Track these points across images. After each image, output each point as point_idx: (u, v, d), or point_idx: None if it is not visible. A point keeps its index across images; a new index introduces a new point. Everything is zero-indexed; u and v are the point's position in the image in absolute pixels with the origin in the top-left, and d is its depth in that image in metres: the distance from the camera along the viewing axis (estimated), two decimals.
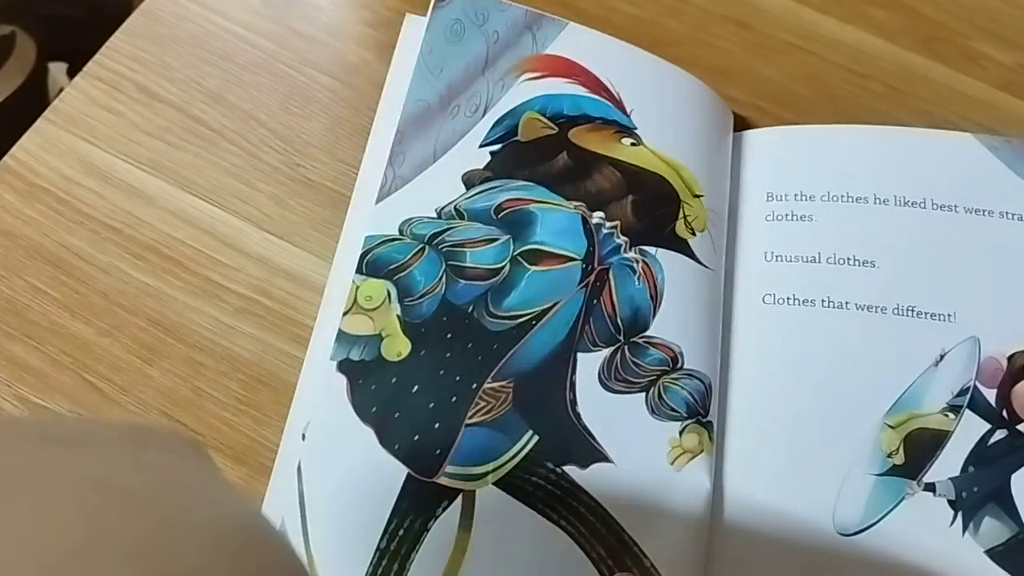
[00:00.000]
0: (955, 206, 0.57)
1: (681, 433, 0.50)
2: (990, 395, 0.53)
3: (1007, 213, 0.58)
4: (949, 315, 0.54)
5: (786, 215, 0.58)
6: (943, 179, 0.59)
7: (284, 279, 0.60)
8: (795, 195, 0.59)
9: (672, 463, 0.49)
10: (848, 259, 0.56)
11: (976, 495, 0.51)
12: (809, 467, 0.52)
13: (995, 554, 0.49)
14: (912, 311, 0.54)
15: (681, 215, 0.56)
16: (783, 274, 0.57)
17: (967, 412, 0.52)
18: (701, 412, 0.52)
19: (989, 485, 0.51)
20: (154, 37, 0.65)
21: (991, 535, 0.49)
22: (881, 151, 0.61)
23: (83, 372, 0.56)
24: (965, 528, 0.49)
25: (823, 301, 0.55)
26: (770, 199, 0.60)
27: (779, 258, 0.57)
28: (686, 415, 0.51)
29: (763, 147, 0.63)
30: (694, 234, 0.56)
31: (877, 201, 0.58)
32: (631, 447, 0.51)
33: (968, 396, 0.52)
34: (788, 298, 0.55)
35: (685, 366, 0.52)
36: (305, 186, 0.63)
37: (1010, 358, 0.53)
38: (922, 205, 0.58)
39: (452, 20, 0.60)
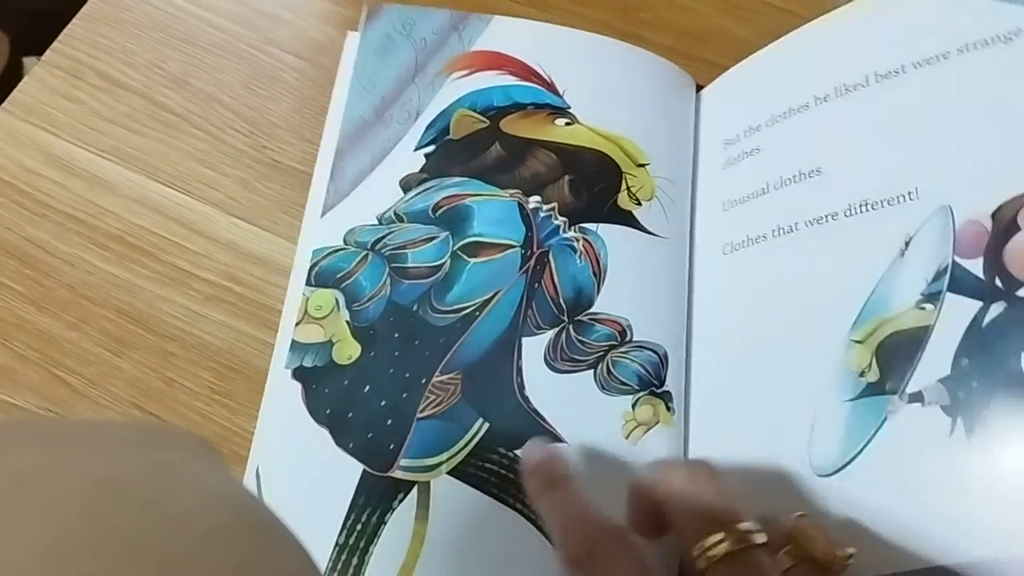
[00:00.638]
0: (901, 68, 0.46)
1: (634, 406, 0.45)
2: (975, 266, 0.39)
3: (968, 45, 0.44)
4: (909, 193, 0.43)
5: (738, 156, 0.51)
6: (885, 43, 0.47)
7: (254, 264, 0.53)
8: (744, 131, 0.51)
9: (627, 437, 0.45)
10: (793, 177, 0.48)
11: (976, 391, 0.37)
12: (779, 413, 0.43)
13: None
14: (865, 205, 0.44)
15: (624, 187, 0.51)
16: (738, 219, 0.49)
17: (948, 296, 0.39)
18: (655, 383, 0.46)
19: (993, 374, 0.37)
20: (114, 22, 0.57)
21: (1008, 432, 0.36)
22: (818, 47, 0.51)
23: (51, 367, 0.50)
24: (969, 432, 0.37)
25: (773, 232, 0.47)
26: (726, 146, 0.52)
27: (734, 203, 0.50)
28: (638, 388, 0.46)
29: (718, 98, 0.54)
30: (640, 204, 0.50)
31: (817, 101, 0.49)
32: (583, 425, 0.45)
33: (947, 276, 0.40)
34: (743, 241, 0.48)
35: (634, 338, 0.47)
36: (272, 168, 0.56)
37: (995, 214, 0.40)
38: (864, 84, 0.47)
39: (382, 35, 0.55)
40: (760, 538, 0.33)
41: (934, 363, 0.39)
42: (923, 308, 0.40)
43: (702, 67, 0.56)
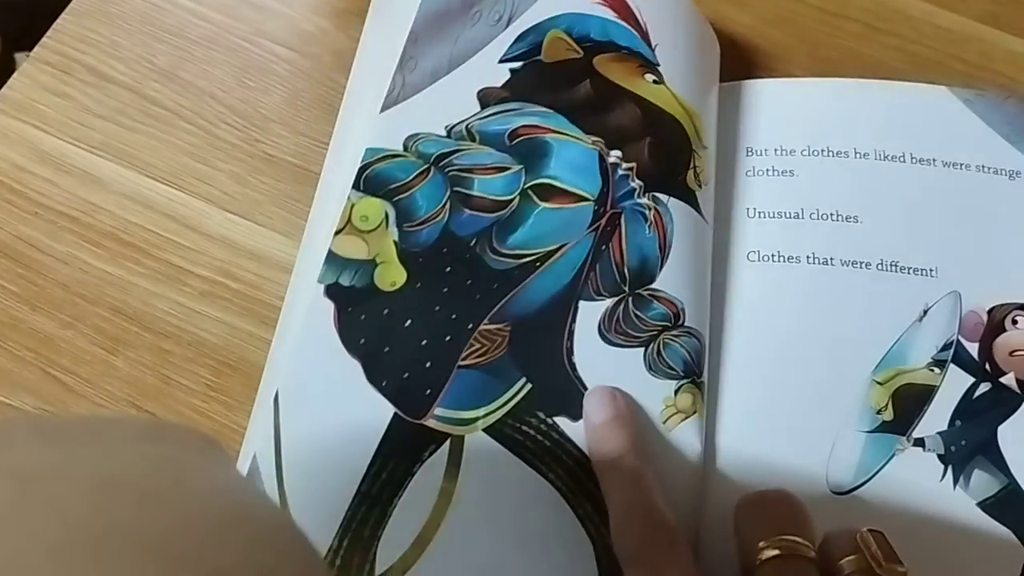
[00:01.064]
0: (933, 160, 0.52)
1: (676, 392, 0.43)
2: (973, 349, 0.48)
3: (983, 167, 0.53)
4: (931, 270, 0.50)
5: (767, 170, 0.52)
6: (920, 133, 0.52)
7: (249, 259, 0.52)
8: (775, 150, 0.52)
9: (665, 422, 0.43)
10: (831, 214, 0.51)
11: (964, 448, 0.46)
12: (799, 426, 0.46)
13: (987, 506, 0.45)
14: (896, 266, 0.50)
15: (692, 165, 0.48)
16: (767, 231, 0.50)
17: (952, 366, 0.47)
18: (696, 372, 0.44)
19: (976, 438, 0.46)
20: (102, 16, 0.56)
21: (981, 488, 0.45)
22: (858, 103, 0.54)
23: (46, 367, 0.50)
24: (956, 482, 0.45)
25: (808, 257, 0.49)
26: (750, 154, 0.52)
27: (762, 214, 0.51)
28: (683, 374, 0.44)
29: (739, 101, 0.54)
30: (700, 187, 0.48)
31: (857, 155, 0.52)
32: None
33: (952, 350, 0.48)
34: (773, 255, 0.50)
35: (686, 323, 0.45)
36: (266, 162, 0.55)
37: (990, 312, 0.49)
38: (901, 159, 0.52)
39: None
40: (810, 553, 0.36)
41: (936, 417, 0.47)
42: (932, 370, 0.48)
43: None
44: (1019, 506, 0.47)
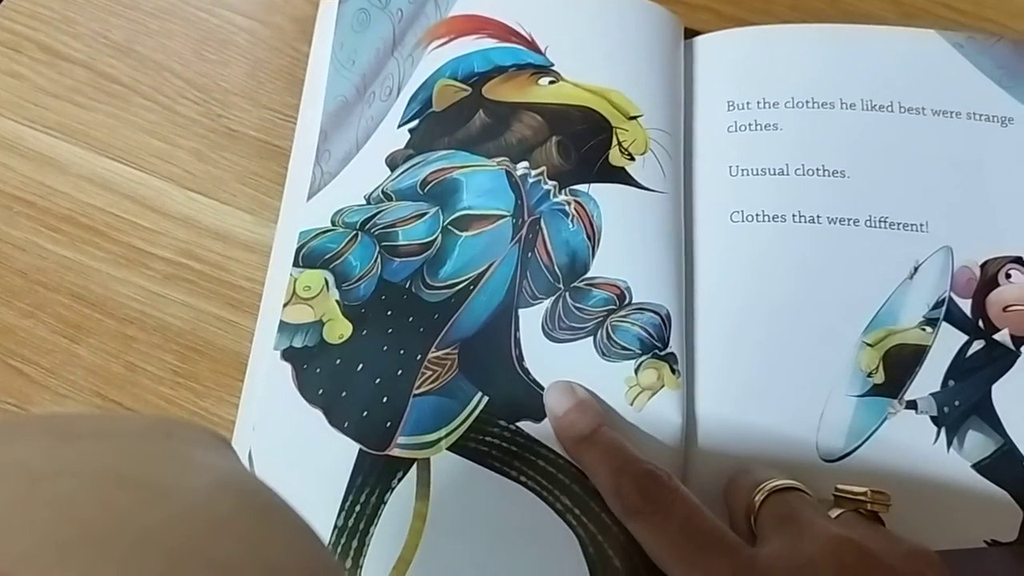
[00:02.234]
0: (923, 108, 0.51)
1: (637, 371, 0.44)
2: (965, 305, 0.47)
3: (974, 114, 0.51)
4: (922, 224, 0.48)
5: (749, 125, 0.51)
6: (909, 80, 0.51)
7: (213, 239, 0.52)
8: (758, 102, 0.51)
9: (632, 403, 0.44)
10: (817, 169, 0.50)
11: (958, 409, 0.45)
12: (787, 391, 0.45)
13: (981, 467, 0.44)
14: (885, 222, 0.49)
15: (615, 142, 0.49)
16: (751, 189, 0.49)
17: (944, 324, 0.46)
18: (658, 346, 0.45)
19: (970, 398, 0.45)
20: None
21: (976, 449, 0.45)
22: (844, 51, 0.52)
23: (7, 357, 0.49)
24: (949, 444, 0.45)
25: (794, 216, 0.49)
26: (731, 108, 0.51)
27: (745, 172, 0.50)
28: (640, 351, 0.45)
29: (719, 53, 0.53)
30: (633, 159, 0.49)
31: (844, 106, 0.51)
32: None
33: (944, 308, 0.47)
34: (757, 215, 0.49)
35: (634, 301, 0.46)
36: (228, 137, 0.54)
37: (983, 266, 0.48)
38: (889, 108, 0.51)
39: (357, 10, 0.53)
40: (808, 491, 0.39)
41: (928, 378, 0.46)
42: (924, 329, 0.47)
43: (676, 11, 0.55)
44: (1014, 466, 0.46)
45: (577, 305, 0.46)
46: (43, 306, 0.51)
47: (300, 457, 0.45)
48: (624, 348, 0.45)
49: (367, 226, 0.49)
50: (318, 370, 0.46)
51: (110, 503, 0.18)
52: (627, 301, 0.46)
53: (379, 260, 0.48)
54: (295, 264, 0.48)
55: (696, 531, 0.37)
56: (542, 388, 0.45)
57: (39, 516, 0.16)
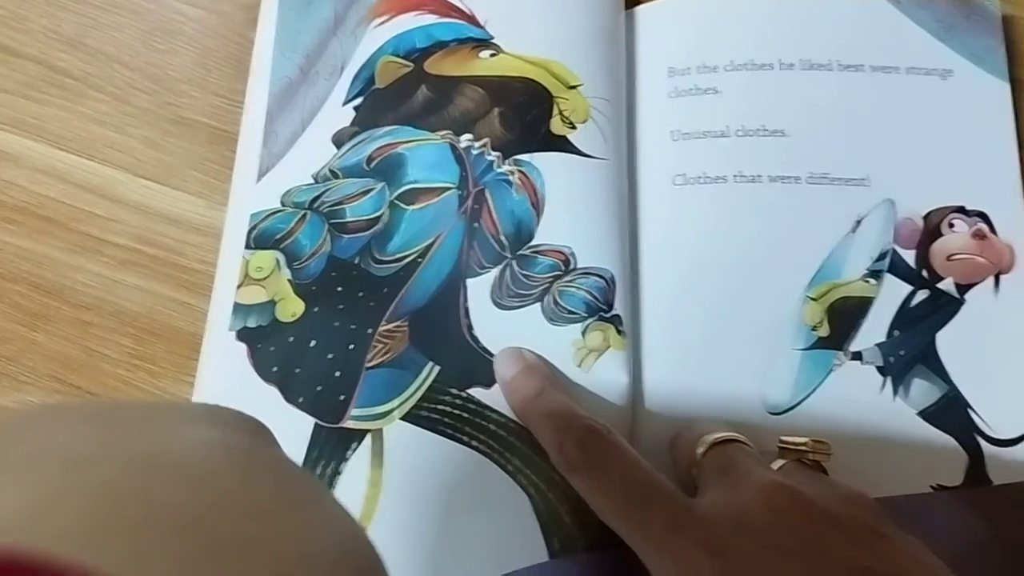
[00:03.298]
0: (861, 65, 0.51)
1: (584, 333, 0.45)
2: (909, 256, 0.48)
3: (913, 68, 0.52)
4: (863, 179, 0.49)
5: (690, 89, 0.51)
6: (847, 37, 0.52)
7: (166, 224, 0.52)
8: (697, 67, 0.51)
9: (579, 365, 0.45)
10: (757, 130, 0.50)
11: (903, 359, 0.46)
12: (732, 348, 0.46)
13: (927, 415, 0.45)
14: (825, 178, 0.49)
15: (556, 112, 0.50)
16: (692, 153, 0.50)
17: (888, 276, 0.47)
18: (604, 308, 0.46)
19: (915, 347, 0.46)
20: None
21: (921, 397, 0.45)
22: (781, 12, 0.52)
23: None
24: (895, 393, 0.45)
25: (735, 176, 0.49)
26: (672, 74, 0.52)
27: (686, 136, 0.50)
28: (586, 314, 0.46)
29: (659, 22, 0.54)
30: (574, 127, 0.49)
31: (782, 67, 0.51)
32: None
33: (888, 259, 0.48)
34: (699, 177, 0.49)
35: (579, 266, 0.47)
36: (179, 125, 0.54)
37: (926, 217, 0.48)
38: (828, 67, 0.51)
39: None
40: (750, 444, 0.40)
41: (873, 329, 0.47)
42: (868, 281, 0.48)
43: None
44: (959, 412, 0.47)
45: (524, 272, 0.47)
46: (1, 296, 0.52)
47: None
48: (570, 312, 0.46)
49: (315, 204, 0.49)
50: (272, 348, 0.46)
51: (148, 489, 0.18)
52: (572, 266, 0.47)
53: (328, 237, 0.49)
54: (247, 246, 0.48)
55: (634, 483, 0.37)
56: (492, 355, 0.45)
57: (78, 501, 0.16)
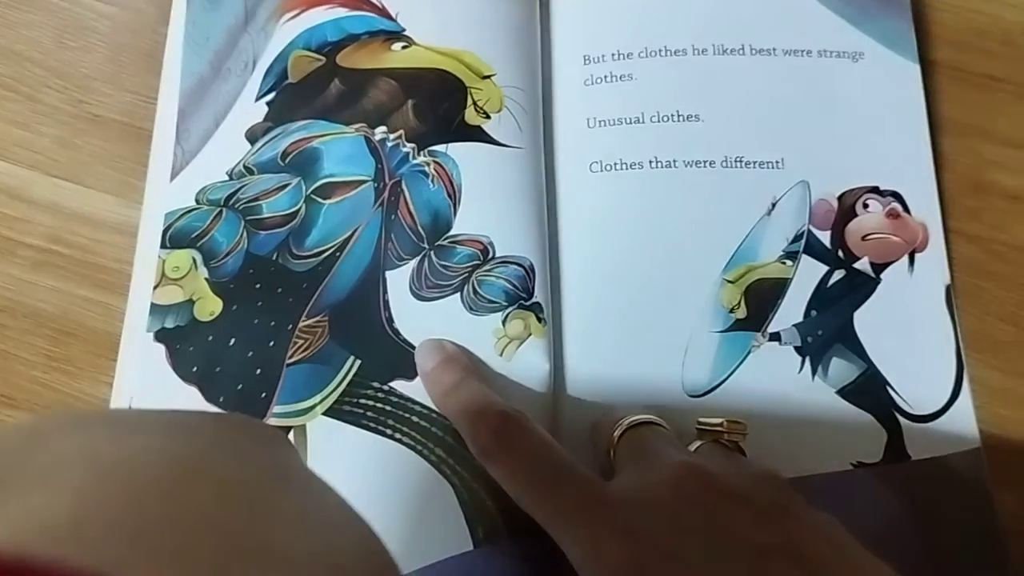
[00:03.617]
0: (773, 49, 0.52)
1: (504, 322, 0.46)
2: (824, 237, 0.49)
3: (825, 51, 0.53)
4: (777, 162, 0.50)
5: (605, 76, 0.51)
6: (759, 22, 0.52)
7: (81, 224, 0.51)
8: (612, 55, 0.52)
9: (501, 353, 0.45)
10: (672, 115, 0.50)
11: (821, 338, 0.47)
12: (652, 332, 0.47)
13: (846, 393, 0.46)
14: (740, 162, 0.50)
15: (470, 102, 0.50)
16: (608, 139, 0.50)
17: (804, 257, 0.48)
18: (524, 296, 0.46)
19: (833, 326, 0.47)
20: None
21: (840, 375, 0.46)
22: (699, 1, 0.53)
23: None
24: (814, 372, 0.46)
25: (651, 162, 0.50)
26: (587, 62, 0.52)
27: (602, 123, 0.51)
28: (506, 303, 0.46)
29: (574, 10, 0.54)
30: (488, 117, 0.50)
31: (696, 52, 0.52)
32: None
33: (803, 241, 0.48)
34: (615, 163, 0.50)
35: (498, 255, 0.47)
36: (92, 123, 0.53)
37: (840, 197, 0.49)
38: (740, 52, 0.52)
39: None
40: (666, 425, 0.41)
41: (791, 310, 0.48)
42: (784, 263, 0.49)
43: None
44: (878, 390, 0.48)
45: (442, 263, 0.47)
46: None
47: None
48: (490, 301, 0.46)
49: (231, 202, 0.49)
50: (191, 348, 0.46)
51: (180, 494, 0.18)
52: (491, 255, 0.47)
53: (245, 234, 0.48)
54: (162, 246, 0.48)
55: (547, 468, 0.38)
56: (412, 347, 0.45)
57: (110, 506, 0.17)
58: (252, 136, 0.51)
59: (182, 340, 0.46)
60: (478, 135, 0.50)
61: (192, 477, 0.19)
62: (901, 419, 0.47)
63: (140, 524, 0.16)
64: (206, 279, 0.47)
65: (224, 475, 0.20)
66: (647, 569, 0.33)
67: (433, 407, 0.45)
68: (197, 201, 0.50)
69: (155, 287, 0.48)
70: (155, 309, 0.47)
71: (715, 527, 0.34)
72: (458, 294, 0.47)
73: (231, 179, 0.50)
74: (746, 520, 0.34)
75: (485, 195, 0.48)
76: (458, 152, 0.49)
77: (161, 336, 0.46)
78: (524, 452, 0.38)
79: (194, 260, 0.48)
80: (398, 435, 0.44)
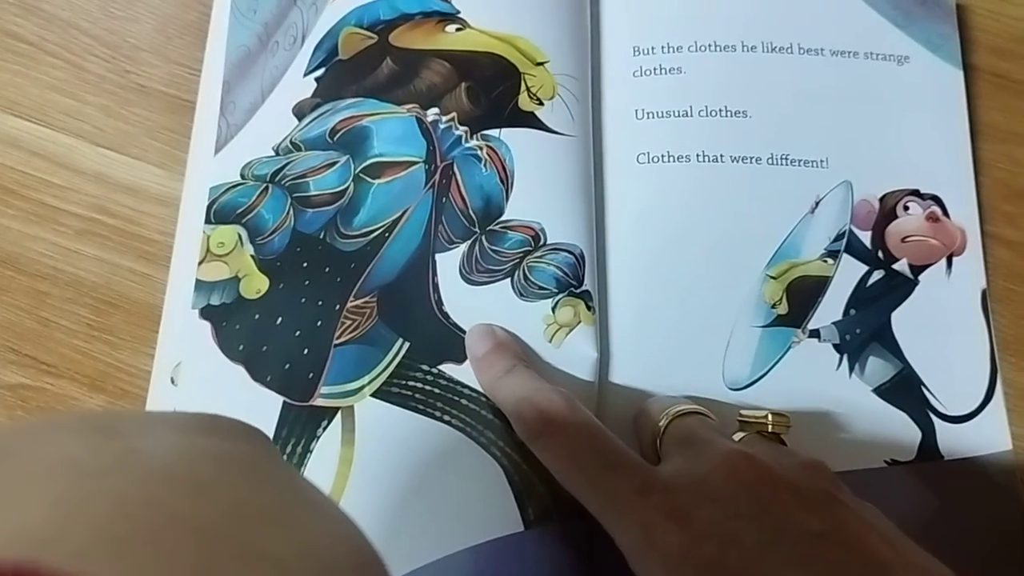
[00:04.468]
0: (821, 49, 0.52)
1: (554, 309, 0.45)
2: (865, 237, 0.49)
3: (871, 54, 0.53)
4: (822, 161, 0.50)
5: (654, 69, 0.52)
6: (808, 22, 0.53)
7: (125, 194, 0.51)
8: (662, 47, 0.52)
9: (551, 340, 0.45)
10: (720, 110, 0.51)
11: (859, 336, 0.47)
12: (695, 324, 0.47)
13: (882, 391, 0.47)
14: (786, 159, 0.51)
15: (523, 88, 0.49)
16: (656, 131, 0.50)
17: (845, 256, 0.49)
18: (574, 284, 0.46)
19: (871, 326, 0.48)
20: None
21: (876, 374, 0.47)
22: None
23: None
24: (852, 370, 0.47)
25: (698, 156, 0.50)
26: (637, 53, 0.52)
27: (651, 115, 0.51)
28: (557, 290, 0.46)
29: (624, 1, 0.55)
30: (542, 104, 0.49)
31: (745, 48, 0.52)
32: None
33: (845, 240, 0.49)
34: (663, 155, 0.50)
35: (549, 242, 0.47)
36: (138, 93, 0.53)
37: (882, 199, 0.50)
38: (789, 50, 0.52)
39: None
40: (712, 416, 0.41)
41: (830, 308, 0.49)
42: (826, 261, 0.49)
43: None
44: (913, 390, 0.48)
45: (493, 248, 0.47)
46: None
47: (224, 413, 0.47)
48: (541, 288, 0.46)
49: (277, 177, 0.48)
50: (237, 326, 0.46)
51: (159, 499, 0.18)
52: (542, 242, 0.47)
53: (291, 212, 0.48)
54: (207, 221, 0.47)
55: (597, 451, 0.38)
56: (462, 331, 0.45)
57: (92, 513, 0.17)
58: (300, 112, 0.50)
59: (228, 318, 0.46)
60: (531, 121, 0.49)
61: (171, 480, 0.19)
62: (935, 419, 0.48)
63: (120, 529, 0.16)
64: (252, 256, 0.47)
65: (206, 476, 0.20)
66: (703, 554, 0.33)
67: (481, 391, 0.45)
68: (242, 176, 0.49)
69: (200, 263, 0.47)
70: (200, 285, 0.47)
71: (769, 514, 0.35)
72: (508, 279, 0.46)
73: (277, 154, 0.50)
74: (798, 507, 0.35)
75: (537, 181, 0.48)
76: (511, 137, 0.49)
77: (206, 313, 0.46)
78: (574, 437, 0.39)
79: (240, 236, 0.48)
80: (447, 417, 0.44)
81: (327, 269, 0.47)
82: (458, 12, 0.52)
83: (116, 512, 0.17)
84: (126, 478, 0.18)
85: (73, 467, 0.18)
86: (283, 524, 0.20)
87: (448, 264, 0.47)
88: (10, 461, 0.18)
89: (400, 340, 0.46)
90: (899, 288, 0.50)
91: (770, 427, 0.42)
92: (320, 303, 0.46)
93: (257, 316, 0.46)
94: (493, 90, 0.50)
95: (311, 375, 0.45)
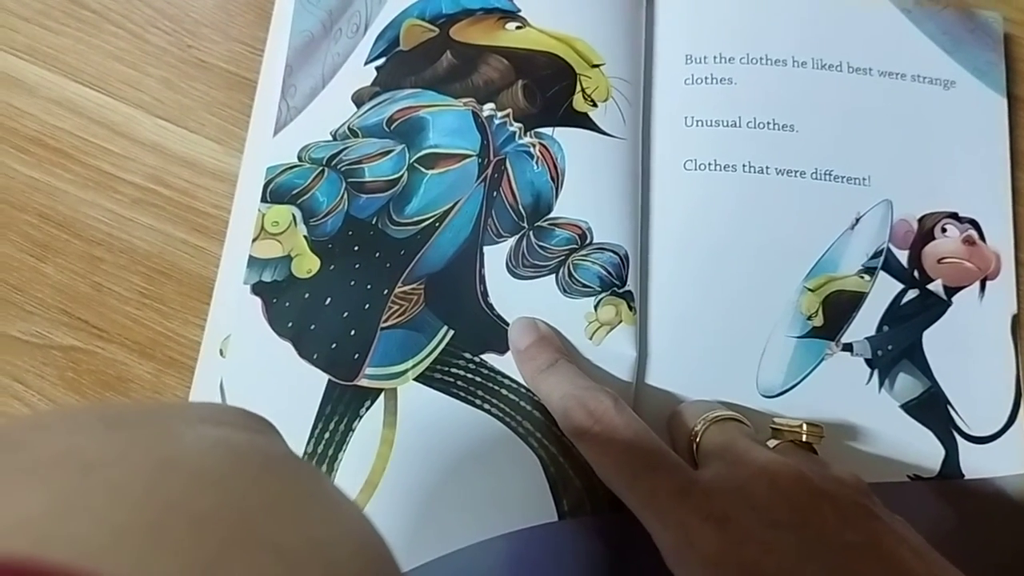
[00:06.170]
0: (870, 69, 0.54)
1: (596, 307, 0.47)
2: (902, 256, 0.50)
3: (919, 77, 0.54)
4: (864, 179, 0.51)
5: (705, 78, 0.53)
6: (859, 41, 0.54)
7: (181, 166, 0.52)
8: (714, 57, 0.53)
9: (591, 337, 0.46)
10: (768, 123, 0.52)
11: (891, 353, 0.49)
12: (732, 331, 0.48)
13: (909, 408, 0.48)
14: (830, 175, 0.52)
15: (579, 89, 0.51)
16: (704, 139, 0.51)
17: (881, 273, 0.50)
18: (617, 284, 0.47)
19: (903, 343, 0.49)
20: None
21: (905, 390, 0.48)
22: (798, 11, 0.54)
23: None
24: (881, 385, 0.48)
25: (744, 166, 0.51)
26: (689, 62, 0.53)
27: (700, 123, 0.52)
28: (600, 289, 0.47)
29: (679, 8, 0.55)
30: (595, 105, 0.50)
31: (796, 64, 0.53)
32: None
33: (882, 258, 0.50)
34: (710, 163, 0.51)
35: (595, 241, 0.48)
36: (198, 68, 0.54)
37: (920, 220, 0.51)
38: (839, 68, 0.53)
39: None
40: (746, 422, 0.42)
41: (864, 323, 0.50)
42: (863, 277, 0.50)
43: None
44: (940, 408, 0.50)
45: (540, 243, 0.48)
46: (10, 225, 0.51)
47: (271, 387, 0.46)
48: (584, 285, 0.47)
49: (333, 162, 0.49)
50: (287, 304, 0.47)
51: (161, 489, 0.18)
52: (588, 241, 0.48)
53: (346, 196, 0.49)
54: (263, 200, 0.49)
55: (641, 450, 0.39)
56: (505, 323, 0.46)
57: (95, 503, 0.17)
58: (359, 99, 0.51)
59: (279, 295, 0.47)
60: (584, 122, 0.50)
61: (179, 470, 0.19)
62: (959, 438, 0.49)
63: (125, 519, 0.16)
64: (305, 236, 0.48)
65: (210, 466, 0.20)
66: (741, 558, 0.34)
67: (522, 382, 0.46)
68: (299, 158, 0.50)
69: (254, 240, 0.48)
70: (253, 262, 0.48)
71: (807, 523, 0.35)
72: (553, 275, 0.47)
73: (334, 139, 0.50)
74: (836, 519, 0.36)
75: (587, 181, 0.49)
76: (564, 137, 0.50)
77: (258, 289, 0.47)
78: (618, 434, 0.39)
79: (294, 216, 0.49)
80: (487, 405, 0.45)
81: (377, 254, 0.48)
82: (519, 10, 0.53)
83: (116, 502, 0.17)
84: (128, 468, 0.18)
85: (76, 458, 0.18)
86: (289, 515, 0.20)
87: (495, 257, 0.48)
88: (16, 453, 0.19)
89: (445, 328, 0.47)
90: (932, 308, 0.51)
91: (804, 436, 0.44)
92: (369, 287, 0.47)
93: (307, 295, 0.47)
94: (549, 89, 0.51)
95: (356, 356, 0.46)
